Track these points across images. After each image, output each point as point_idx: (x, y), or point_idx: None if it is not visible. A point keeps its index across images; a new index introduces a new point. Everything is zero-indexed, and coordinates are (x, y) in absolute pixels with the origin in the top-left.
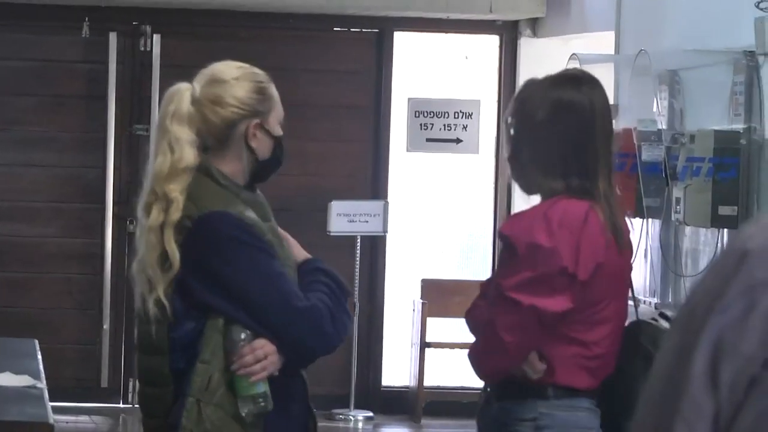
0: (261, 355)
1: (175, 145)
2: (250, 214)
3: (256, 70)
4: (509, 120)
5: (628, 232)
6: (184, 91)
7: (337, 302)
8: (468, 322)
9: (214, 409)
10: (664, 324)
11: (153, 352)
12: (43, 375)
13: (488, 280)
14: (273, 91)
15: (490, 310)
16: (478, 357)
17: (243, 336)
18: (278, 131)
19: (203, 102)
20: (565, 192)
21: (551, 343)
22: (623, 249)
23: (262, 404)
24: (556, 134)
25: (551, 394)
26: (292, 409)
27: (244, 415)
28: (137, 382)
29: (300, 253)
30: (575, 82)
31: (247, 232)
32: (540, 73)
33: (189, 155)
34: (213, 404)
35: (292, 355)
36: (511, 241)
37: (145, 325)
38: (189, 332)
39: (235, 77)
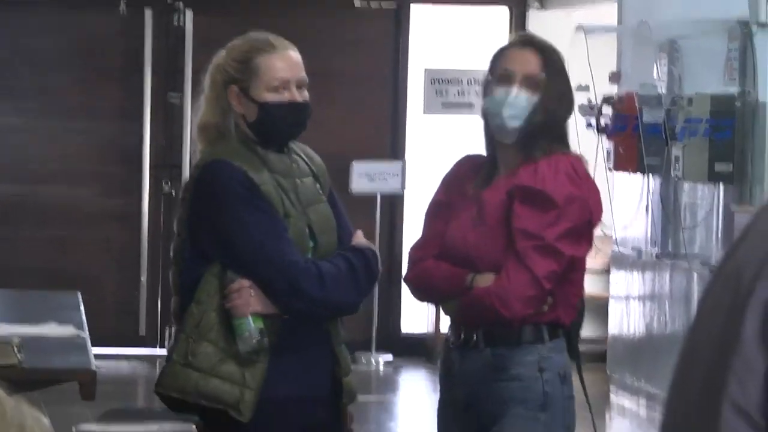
0: (245, 294)
1: (199, 107)
2: (254, 168)
3: (258, 41)
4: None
5: None
6: (216, 58)
7: (347, 272)
8: (420, 285)
9: (207, 345)
10: None
11: (174, 293)
12: (85, 325)
13: (421, 243)
14: (262, 60)
15: (521, 260)
16: (508, 305)
17: (235, 278)
18: (264, 97)
19: (216, 68)
20: (561, 150)
21: (558, 283)
22: None
23: (255, 341)
24: (567, 99)
25: (546, 337)
26: (303, 354)
27: (240, 351)
28: None
29: (356, 240)
30: None
31: (238, 182)
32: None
33: (205, 115)
34: (206, 340)
35: (275, 304)
36: (546, 194)
37: (172, 267)
38: (196, 275)
39: (231, 46)
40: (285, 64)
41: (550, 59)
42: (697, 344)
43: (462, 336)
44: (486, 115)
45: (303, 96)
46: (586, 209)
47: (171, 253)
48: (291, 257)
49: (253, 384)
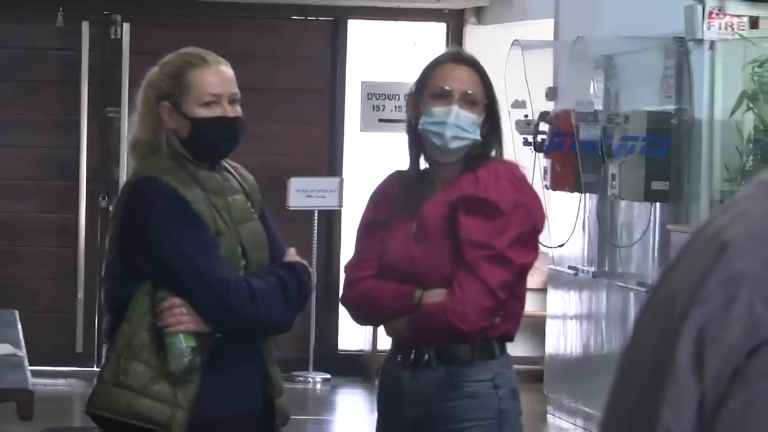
0: (177, 312)
1: (132, 123)
2: (185, 186)
3: (191, 56)
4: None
5: None
6: (148, 74)
7: (278, 289)
8: (363, 306)
9: (138, 364)
10: None
11: (105, 311)
12: (23, 344)
13: (357, 263)
14: (194, 76)
15: (473, 271)
16: (465, 318)
17: (167, 297)
18: (196, 113)
19: (148, 84)
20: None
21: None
22: None
23: (187, 360)
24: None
25: (498, 353)
26: (235, 373)
27: (172, 370)
28: None
29: (288, 258)
30: None
31: (169, 199)
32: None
33: (138, 131)
34: (137, 360)
35: (206, 322)
36: (491, 202)
37: (103, 286)
38: (126, 293)
39: (164, 61)
40: (217, 79)
41: (484, 75)
42: (630, 370)
43: (412, 355)
44: (423, 134)
45: (235, 111)
46: (531, 215)
47: (102, 271)
48: (222, 274)
49: (185, 403)
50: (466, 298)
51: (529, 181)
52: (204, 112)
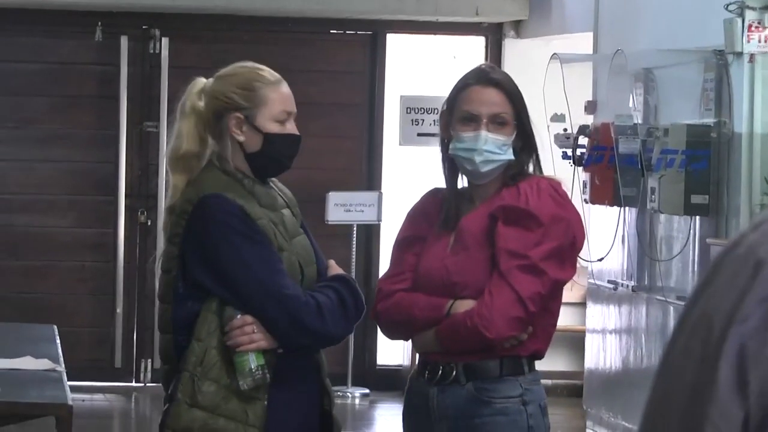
0: (249, 330)
1: (177, 135)
2: (247, 202)
3: (262, 71)
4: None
5: None
6: (194, 85)
7: (338, 303)
8: (393, 317)
9: (210, 384)
10: None
11: (164, 330)
12: (62, 359)
13: (391, 276)
14: (269, 91)
15: (505, 280)
16: (492, 326)
17: (235, 315)
18: (269, 128)
19: (204, 94)
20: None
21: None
22: None
23: (259, 377)
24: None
25: (527, 369)
26: (299, 387)
27: (242, 389)
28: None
29: (333, 270)
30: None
31: (236, 217)
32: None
33: (186, 144)
34: (208, 379)
35: (277, 339)
36: (532, 213)
37: (159, 303)
38: (190, 312)
39: (229, 73)
40: (288, 96)
41: (512, 92)
42: (668, 391)
43: (440, 370)
44: (455, 158)
45: (296, 130)
46: (570, 231)
47: (158, 291)
48: (292, 291)
49: (256, 421)
50: (495, 304)
51: (570, 197)
52: (276, 128)
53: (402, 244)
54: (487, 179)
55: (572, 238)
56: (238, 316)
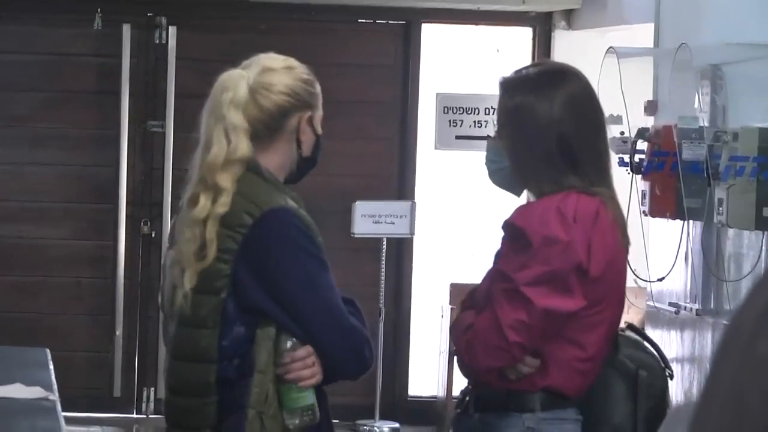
0: (310, 362)
1: (232, 134)
2: (305, 213)
3: (303, 65)
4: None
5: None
6: (239, 78)
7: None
8: (453, 336)
9: (272, 422)
10: (633, 336)
11: (197, 359)
12: (55, 386)
13: (470, 292)
14: (318, 88)
15: (491, 303)
16: (472, 352)
17: (290, 344)
18: (319, 129)
19: (258, 89)
20: (576, 187)
21: (549, 342)
22: (626, 249)
23: (310, 416)
24: (568, 130)
25: (537, 407)
26: (327, 420)
27: (291, 427)
28: (165, 390)
29: None
30: (572, 76)
31: (306, 235)
32: (575, 66)
33: (244, 145)
34: (271, 417)
35: (328, 372)
36: (525, 232)
37: (183, 327)
38: (240, 339)
39: (285, 67)
40: None
41: (509, 96)
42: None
43: (463, 398)
44: None
45: None
46: (571, 255)
47: (183, 313)
48: (352, 322)
49: None
50: (477, 332)
51: (600, 218)
52: (321, 130)
53: None
54: (514, 190)
55: (575, 263)
56: (290, 344)
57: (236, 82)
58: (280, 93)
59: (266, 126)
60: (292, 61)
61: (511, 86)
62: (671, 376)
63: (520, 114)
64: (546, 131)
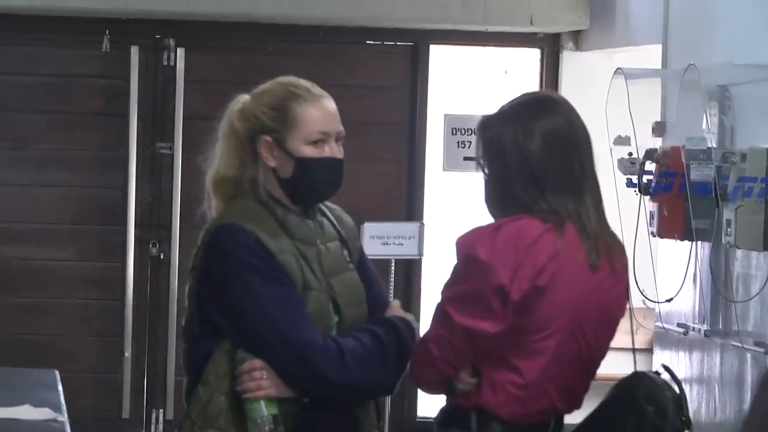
0: (257, 375)
1: (217, 158)
2: (271, 234)
3: (297, 88)
4: (483, 158)
5: (623, 259)
6: (235, 103)
7: (373, 349)
8: None
9: None
10: (665, 378)
11: (185, 372)
12: (64, 408)
13: None
14: (302, 110)
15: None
16: (412, 366)
17: (239, 357)
18: (302, 152)
19: (241, 115)
20: (534, 212)
21: (487, 362)
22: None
23: (267, 429)
24: (534, 156)
25: (474, 425)
26: None
27: None
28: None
29: (392, 311)
30: (551, 105)
31: (251, 250)
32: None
33: (224, 168)
34: (213, 428)
35: (291, 387)
36: (457, 250)
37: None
38: (204, 354)
39: (262, 91)
40: (325, 114)
41: (482, 133)
42: None
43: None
44: None
45: (341, 152)
46: (491, 277)
47: (184, 327)
48: (307, 335)
49: None
50: (416, 345)
51: (539, 243)
52: (310, 152)
53: None
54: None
55: (495, 285)
56: (245, 357)
57: (233, 106)
58: (245, 119)
59: (244, 149)
60: (276, 86)
61: (484, 123)
62: (687, 424)
63: (492, 145)
64: (512, 157)
